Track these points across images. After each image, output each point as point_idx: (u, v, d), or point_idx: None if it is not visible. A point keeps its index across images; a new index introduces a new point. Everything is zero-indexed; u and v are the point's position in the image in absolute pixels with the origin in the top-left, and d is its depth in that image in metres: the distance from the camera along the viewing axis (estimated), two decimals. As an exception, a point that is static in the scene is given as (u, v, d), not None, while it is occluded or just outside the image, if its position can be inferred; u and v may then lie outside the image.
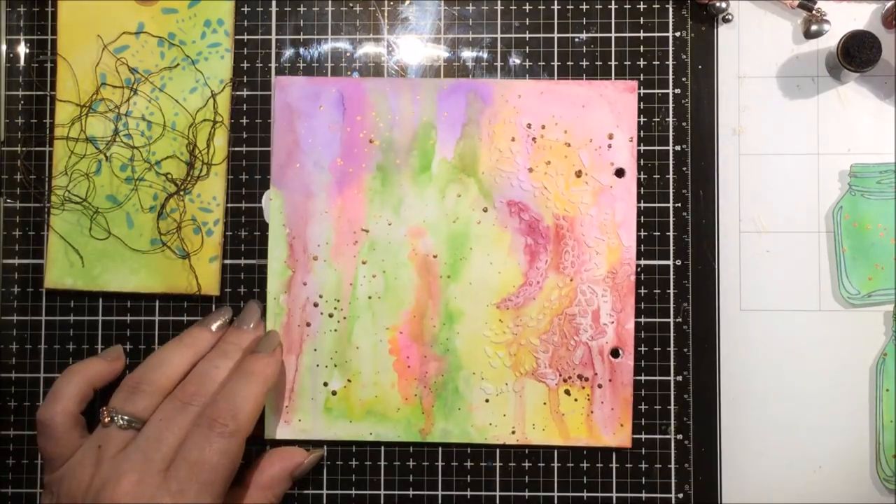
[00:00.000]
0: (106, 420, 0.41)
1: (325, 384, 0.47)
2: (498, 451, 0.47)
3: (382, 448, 0.47)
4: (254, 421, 0.41)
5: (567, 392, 0.46)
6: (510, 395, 0.46)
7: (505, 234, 0.46)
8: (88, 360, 0.45)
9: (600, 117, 0.47)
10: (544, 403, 0.46)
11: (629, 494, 0.47)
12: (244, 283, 0.47)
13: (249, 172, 0.48)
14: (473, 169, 0.46)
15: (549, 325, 0.46)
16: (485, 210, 0.46)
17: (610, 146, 0.47)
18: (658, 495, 0.47)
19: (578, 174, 0.46)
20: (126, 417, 0.41)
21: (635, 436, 0.47)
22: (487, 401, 0.46)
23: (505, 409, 0.46)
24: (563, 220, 0.46)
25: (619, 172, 0.47)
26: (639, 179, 0.47)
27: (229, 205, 0.48)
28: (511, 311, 0.46)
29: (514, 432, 0.46)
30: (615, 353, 0.46)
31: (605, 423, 0.46)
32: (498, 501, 0.47)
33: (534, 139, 0.46)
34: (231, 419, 0.40)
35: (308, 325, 0.47)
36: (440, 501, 0.47)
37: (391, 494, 0.47)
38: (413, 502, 0.47)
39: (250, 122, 0.48)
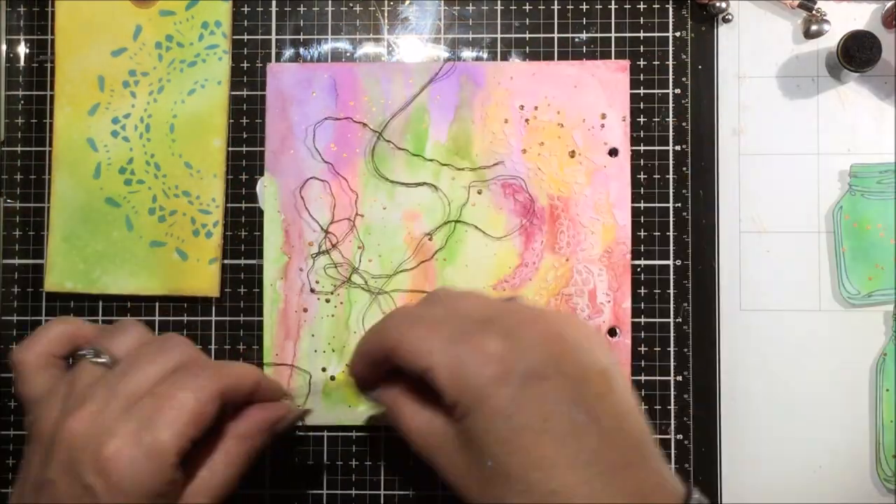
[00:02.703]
0: (80, 353, 0.38)
1: (324, 369, 0.47)
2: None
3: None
4: (237, 388, 0.37)
5: None
6: None
7: (500, 215, 0.47)
8: (78, 319, 0.42)
9: (593, 97, 0.47)
10: None
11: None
12: (244, 284, 0.47)
13: (249, 172, 0.48)
14: (467, 151, 0.47)
15: (546, 306, 0.46)
16: (479, 192, 0.47)
17: (603, 126, 0.47)
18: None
19: (572, 154, 0.46)
20: (98, 352, 0.37)
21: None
22: None
23: None
24: (558, 201, 0.46)
25: (613, 152, 0.47)
26: (639, 179, 0.47)
27: (229, 205, 0.47)
28: (507, 293, 0.46)
29: None
30: (612, 332, 0.46)
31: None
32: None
33: (526, 120, 0.47)
34: (216, 371, 0.36)
35: (305, 310, 0.47)
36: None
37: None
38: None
39: (250, 123, 0.48)
